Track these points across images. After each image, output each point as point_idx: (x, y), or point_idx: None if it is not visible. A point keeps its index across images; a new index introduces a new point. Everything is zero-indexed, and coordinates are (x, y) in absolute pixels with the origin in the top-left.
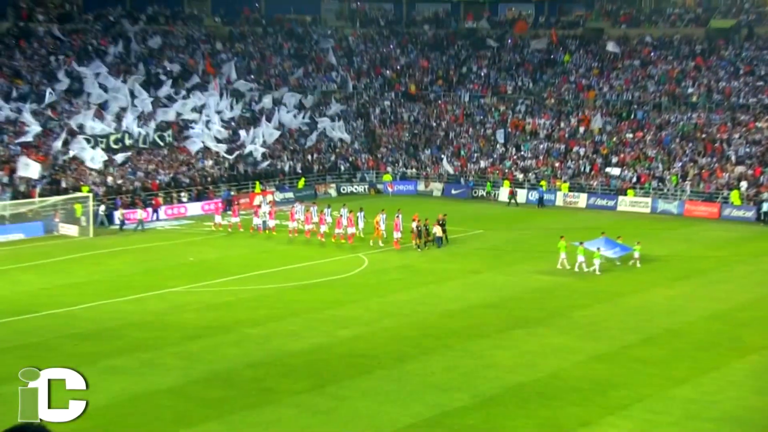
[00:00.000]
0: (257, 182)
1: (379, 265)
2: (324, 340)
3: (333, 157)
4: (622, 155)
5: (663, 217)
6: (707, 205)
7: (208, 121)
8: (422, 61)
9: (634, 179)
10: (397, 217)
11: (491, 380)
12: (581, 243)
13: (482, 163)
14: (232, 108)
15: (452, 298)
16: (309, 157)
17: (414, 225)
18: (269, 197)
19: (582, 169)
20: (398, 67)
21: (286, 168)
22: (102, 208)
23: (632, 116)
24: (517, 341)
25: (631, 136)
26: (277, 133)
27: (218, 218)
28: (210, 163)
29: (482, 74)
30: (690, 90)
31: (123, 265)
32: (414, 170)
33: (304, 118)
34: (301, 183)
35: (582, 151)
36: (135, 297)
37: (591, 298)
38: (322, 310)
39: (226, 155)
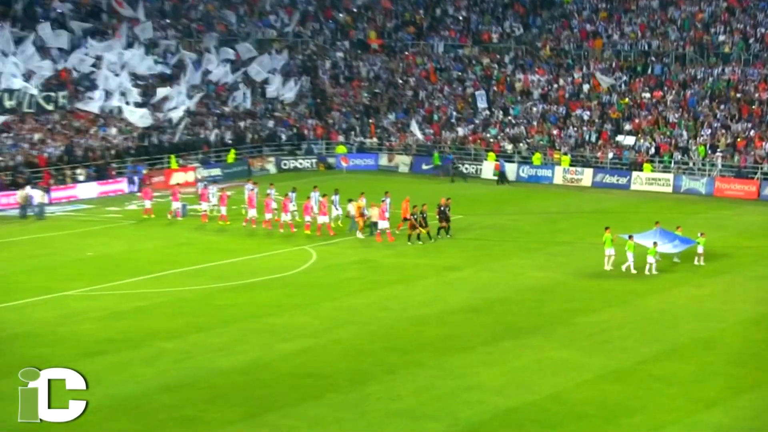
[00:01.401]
0: (173, 157)
1: (331, 259)
2: (261, 356)
3: (271, 124)
4: (636, 120)
5: (688, 198)
6: (743, 183)
7: (110, 78)
8: (384, 2)
9: (652, 150)
10: (384, 201)
11: (474, 405)
12: (630, 236)
13: (461, 131)
14: (141, 61)
15: (424, 301)
16: (241, 123)
17: (409, 211)
18: (200, 184)
19: (587, 138)
20: (354, 9)
21: (212, 137)
22: None
23: (649, 71)
24: (506, 355)
25: (647, 96)
26: (200, 94)
27: (148, 202)
28: (114, 131)
29: (460, 18)
30: (721, 38)
31: (2, 263)
32: (374, 140)
33: (234, 74)
34: (231, 156)
35: (586, 116)
36: (18, 303)
37: (599, 299)
38: (258, 317)
39: (134, 122)
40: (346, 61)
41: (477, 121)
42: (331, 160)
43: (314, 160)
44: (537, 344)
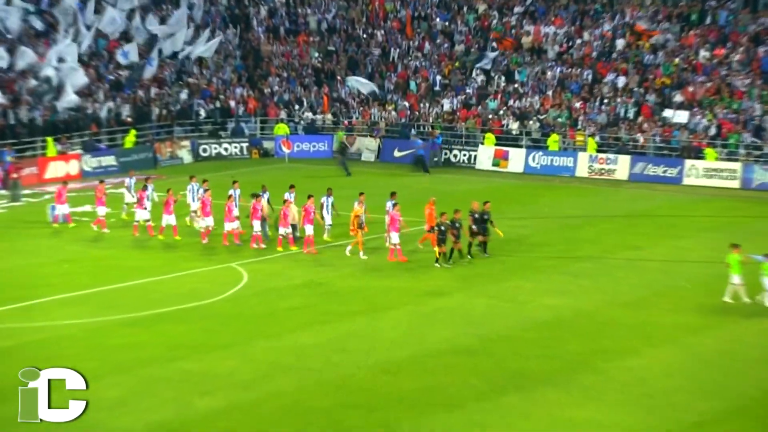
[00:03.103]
0: (50, 140)
1: (269, 281)
2: (173, 416)
3: (185, 95)
4: (690, 89)
5: (761, 196)
6: None
7: None
8: None
9: (713, 131)
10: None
11: None
12: None
13: (446, 104)
14: (5, 10)
15: (397, 339)
16: (142, 93)
17: (436, 219)
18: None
19: (621, 113)
20: None
21: (103, 113)
22: None
23: (707, 19)
24: (510, 414)
25: (706, 55)
26: (86, 52)
27: (101, 210)
28: None
29: None
30: None
31: None
32: (328, 117)
33: (131, 22)
34: (130, 139)
35: (621, 82)
36: None
37: (638, 337)
38: (169, 361)
39: None
40: (289, 8)
41: (470, 91)
42: (268, 145)
43: (245, 145)
44: (552, 399)
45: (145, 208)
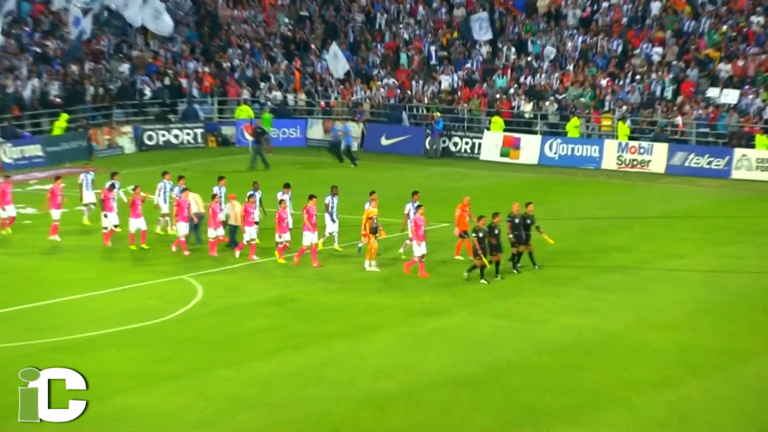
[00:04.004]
0: None
1: (228, 297)
2: None
3: (127, 71)
4: (740, 63)
5: None
6: None
7: None
8: None
9: None
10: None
11: None
12: None
13: (444, 82)
14: None
15: (384, 367)
16: (75, 68)
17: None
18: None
19: (657, 92)
20: None
21: (26, 93)
22: None
23: None
24: None
25: (760, 21)
26: (6, 19)
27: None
28: None
29: None
30: None
31: None
32: (301, 97)
33: None
34: (59, 125)
35: (657, 55)
36: None
37: (677, 362)
38: (105, 397)
39: None
40: None
41: (472, 63)
42: (227, 131)
43: (199, 131)
44: None
45: (114, 211)
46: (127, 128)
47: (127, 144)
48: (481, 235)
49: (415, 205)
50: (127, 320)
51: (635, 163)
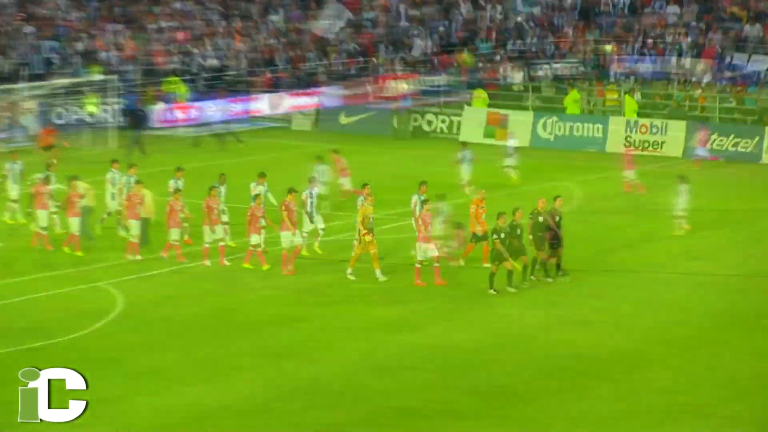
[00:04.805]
0: None
1: (154, 309)
2: None
3: (31, 36)
4: None
5: None
6: None
7: None
8: None
9: None
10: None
11: None
12: None
13: (416, 47)
14: None
15: (343, 394)
16: None
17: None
18: None
19: (673, 59)
20: None
21: None
22: None
23: None
24: None
25: None
26: None
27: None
28: None
29: None
30: None
31: None
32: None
33: None
34: None
35: (672, 13)
36: None
37: (698, 383)
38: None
39: None
40: None
41: (448, 27)
42: (153, 108)
43: (118, 107)
44: None
45: (48, 209)
46: (32, 104)
47: (31, 123)
48: (502, 235)
49: (422, 198)
50: (32, 337)
51: (647, 144)
